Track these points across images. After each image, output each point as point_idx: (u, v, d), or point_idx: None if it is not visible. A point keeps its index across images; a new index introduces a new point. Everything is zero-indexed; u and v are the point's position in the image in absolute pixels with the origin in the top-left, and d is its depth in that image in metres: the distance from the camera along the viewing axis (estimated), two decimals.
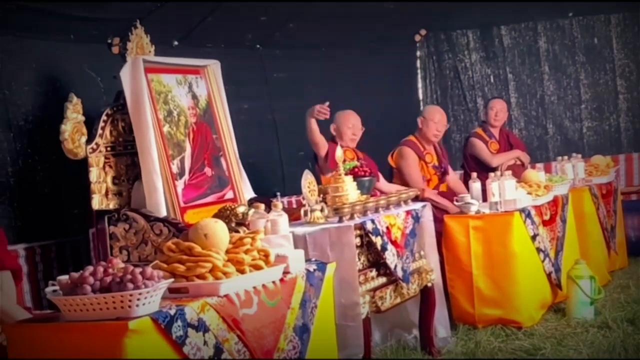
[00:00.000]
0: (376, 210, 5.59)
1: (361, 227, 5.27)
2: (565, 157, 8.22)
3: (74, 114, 5.39)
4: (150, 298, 3.16)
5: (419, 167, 7.61)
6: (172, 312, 3.23)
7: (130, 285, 3.12)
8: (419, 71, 10.26)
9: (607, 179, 8.43)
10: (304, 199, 5.49)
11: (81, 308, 3.13)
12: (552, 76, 10.00)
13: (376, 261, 5.45)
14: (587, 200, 7.86)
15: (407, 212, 5.82)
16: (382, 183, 7.19)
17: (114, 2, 5.94)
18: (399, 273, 5.50)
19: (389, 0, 8.02)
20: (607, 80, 9.87)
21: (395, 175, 7.62)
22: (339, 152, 5.72)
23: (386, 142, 7.84)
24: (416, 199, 6.32)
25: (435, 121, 7.74)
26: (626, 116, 9.84)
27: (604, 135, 9.90)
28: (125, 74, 5.61)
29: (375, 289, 5.34)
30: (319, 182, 5.97)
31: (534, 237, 6.59)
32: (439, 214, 6.71)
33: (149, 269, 3.26)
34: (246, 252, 3.82)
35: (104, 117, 5.64)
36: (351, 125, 7.09)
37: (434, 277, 6.08)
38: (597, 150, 9.28)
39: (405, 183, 7.40)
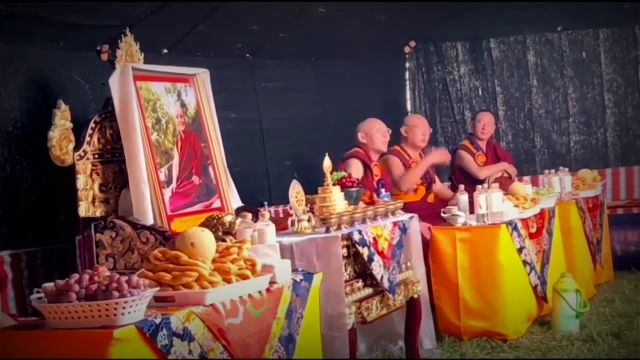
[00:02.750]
0: (363, 221, 5.59)
1: (348, 237, 5.27)
2: (553, 171, 8.24)
3: (62, 120, 5.37)
4: (135, 306, 3.15)
5: None
6: (158, 320, 3.23)
7: (116, 294, 3.11)
8: (407, 83, 10.27)
9: (594, 192, 8.45)
10: (291, 208, 5.49)
11: (66, 316, 3.12)
12: (540, 89, 10.03)
13: (363, 272, 5.45)
14: (574, 214, 7.88)
15: (394, 223, 5.83)
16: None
17: (104, 9, 5.93)
18: (385, 284, 5.50)
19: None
20: (595, 94, 9.90)
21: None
22: (326, 162, 5.72)
23: None
24: (404, 209, 6.33)
25: (420, 127, 7.82)
26: (613, 130, 9.87)
27: (591, 149, 9.93)
28: (114, 82, 5.60)
29: (361, 300, 5.34)
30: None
31: (520, 250, 6.60)
32: (427, 220, 6.73)
33: (134, 277, 3.25)
34: (233, 261, 3.82)
35: (92, 124, 5.62)
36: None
37: (420, 289, 6.09)
38: (584, 164, 9.31)
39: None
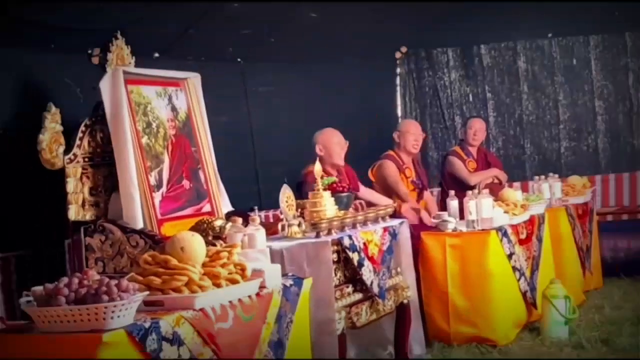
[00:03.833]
0: (353, 226, 5.59)
1: (338, 242, 5.27)
2: (543, 177, 8.25)
3: (52, 123, 5.37)
4: (125, 311, 3.15)
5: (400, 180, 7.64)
6: (147, 325, 3.22)
7: (105, 298, 3.11)
8: (398, 88, 10.29)
9: (584, 199, 8.47)
10: (281, 213, 5.49)
11: (55, 319, 3.12)
12: (530, 96, 10.05)
13: (352, 277, 5.45)
14: (563, 220, 7.90)
15: (385, 229, 5.83)
16: (364, 190, 7.24)
17: (96, 12, 5.93)
18: (375, 289, 5.50)
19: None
20: (586, 101, 9.93)
21: (374, 189, 7.63)
22: (317, 167, 5.73)
23: (365, 157, 7.84)
24: (394, 215, 6.34)
25: (412, 132, 7.80)
26: (604, 137, 9.90)
27: (582, 155, 9.96)
28: (104, 85, 5.60)
29: (351, 305, 5.34)
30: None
31: (510, 256, 6.61)
32: (416, 230, 6.72)
33: (124, 281, 3.24)
34: (222, 265, 3.81)
35: (82, 128, 5.63)
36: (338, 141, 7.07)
37: (410, 294, 6.09)
38: (574, 171, 9.32)
39: (387, 195, 7.41)
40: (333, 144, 6.98)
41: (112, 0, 5.89)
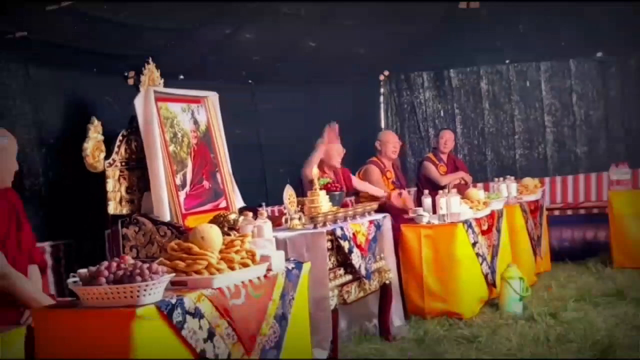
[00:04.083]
0: (345, 220, 5.59)
1: (332, 233, 5.27)
2: (501, 179, 8.25)
3: (94, 134, 5.37)
4: (155, 289, 3.14)
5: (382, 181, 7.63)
6: (173, 301, 3.21)
7: (139, 278, 3.10)
8: (382, 105, 10.28)
9: (535, 197, 8.46)
10: (285, 208, 5.48)
11: (97, 297, 3.11)
12: (491, 112, 10.04)
13: (344, 261, 5.45)
14: (518, 215, 7.89)
15: (370, 222, 5.83)
16: (356, 182, 7.23)
17: (129, 40, 5.92)
18: (363, 272, 5.50)
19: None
20: (537, 116, 9.93)
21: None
22: (314, 170, 5.72)
23: (355, 161, 7.84)
24: (379, 209, 6.33)
25: (391, 141, 7.80)
26: (552, 146, 9.90)
27: (533, 161, 9.95)
28: (138, 102, 5.60)
29: (342, 285, 5.34)
30: None
31: (474, 244, 6.60)
32: (396, 222, 6.72)
33: (154, 265, 3.23)
34: (236, 252, 3.80)
35: (120, 138, 5.63)
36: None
37: (392, 276, 6.09)
38: (527, 173, 9.31)
39: (371, 196, 7.39)
40: (332, 150, 6.99)
41: (145, 28, 5.88)
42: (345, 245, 5.34)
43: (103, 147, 5.44)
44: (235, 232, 4.59)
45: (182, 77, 7.00)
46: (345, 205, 6.52)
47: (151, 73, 5.90)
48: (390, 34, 8.26)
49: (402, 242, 6.52)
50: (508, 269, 6.74)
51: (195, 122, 6.17)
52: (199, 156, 6.11)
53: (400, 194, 7.43)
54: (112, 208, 5.52)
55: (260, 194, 7.73)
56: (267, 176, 8.19)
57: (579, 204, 9.72)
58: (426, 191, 7.04)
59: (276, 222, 5.36)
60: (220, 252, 3.76)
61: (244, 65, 7.70)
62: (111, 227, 5.53)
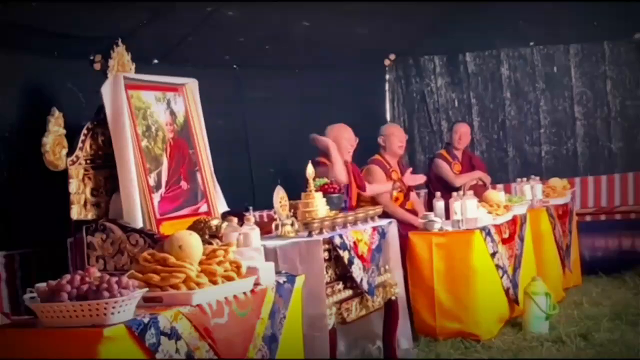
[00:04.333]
0: (344, 226, 5.59)
1: (329, 241, 5.27)
2: (524, 179, 8.27)
3: (55, 127, 5.35)
4: (125, 306, 3.14)
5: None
6: (146, 320, 3.21)
7: (106, 294, 3.10)
8: (387, 94, 10.29)
9: (564, 200, 8.49)
10: (275, 213, 5.49)
11: (58, 315, 3.11)
12: (513, 102, 10.07)
13: (343, 274, 5.45)
14: (544, 220, 7.91)
15: (374, 228, 5.83)
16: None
17: (98, 20, 5.92)
18: (365, 286, 5.50)
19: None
20: (566, 107, 9.96)
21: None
22: (309, 170, 5.72)
23: (356, 160, 7.82)
24: (383, 215, 6.34)
25: (396, 135, 7.82)
26: (583, 141, 9.93)
27: (561, 158, 9.98)
28: (106, 90, 5.59)
29: (341, 301, 5.34)
30: None
31: (493, 255, 6.61)
32: (404, 229, 6.72)
33: (124, 278, 3.24)
34: (219, 263, 3.81)
35: (84, 131, 5.61)
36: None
37: (398, 291, 6.09)
38: (555, 173, 9.34)
39: (373, 198, 7.40)
40: (341, 137, 7.05)
41: (115, 0, 5.87)
42: (345, 255, 5.34)
43: (65, 142, 5.43)
44: (218, 241, 4.60)
45: (156, 61, 6.99)
46: (351, 209, 6.52)
47: (121, 57, 5.88)
48: (397, 11, 8.27)
49: (410, 251, 6.53)
50: (532, 283, 6.76)
51: (172, 113, 6.16)
52: (176, 152, 6.10)
53: (412, 171, 7.51)
54: (76, 212, 5.50)
55: (246, 196, 7.74)
56: (255, 176, 8.20)
57: (614, 209, 9.74)
58: (438, 193, 7.04)
59: (265, 228, 5.36)
60: (201, 263, 3.77)
61: (228, 47, 7.70)
62: (74, 234, 5.51)
